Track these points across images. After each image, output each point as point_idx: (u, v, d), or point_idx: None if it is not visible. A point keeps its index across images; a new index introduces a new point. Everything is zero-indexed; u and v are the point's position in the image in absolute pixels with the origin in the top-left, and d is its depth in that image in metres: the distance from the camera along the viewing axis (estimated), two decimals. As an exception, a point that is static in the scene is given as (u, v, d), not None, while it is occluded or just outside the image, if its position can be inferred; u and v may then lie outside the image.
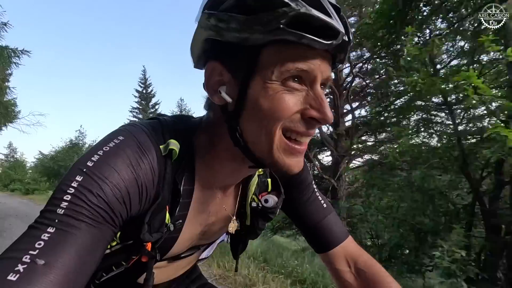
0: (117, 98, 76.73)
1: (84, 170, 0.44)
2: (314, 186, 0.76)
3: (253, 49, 0.46)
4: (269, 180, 0.70)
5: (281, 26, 0.42)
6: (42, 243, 0.38)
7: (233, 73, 0.49)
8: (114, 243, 0.55)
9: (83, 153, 0.49)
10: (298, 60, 0.45)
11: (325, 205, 0.75)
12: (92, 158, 0.46)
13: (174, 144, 0.52)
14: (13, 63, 9.94)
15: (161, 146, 0.52)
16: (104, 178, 0.44)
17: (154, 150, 0.51)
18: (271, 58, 0.45)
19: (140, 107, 31.57)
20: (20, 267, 0.35)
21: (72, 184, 0.42)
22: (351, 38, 0.48)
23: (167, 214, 0.54)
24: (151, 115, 31.77)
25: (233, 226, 0.67)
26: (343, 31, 0.45)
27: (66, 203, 0.41)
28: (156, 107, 31.83)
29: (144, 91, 31.68)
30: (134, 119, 31.19)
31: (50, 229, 0.39)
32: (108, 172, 0.44)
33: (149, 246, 0.53)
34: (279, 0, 0.42)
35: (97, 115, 79.16)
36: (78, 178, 0.43)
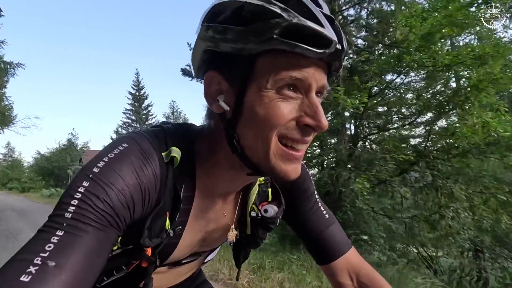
0: (111, 100, 77.44)
1: (91, 176, 0.45)
2: (317, 196, 0.75)
3: (249, 59, 0.47)
4: (269, 189, 0.70)
5: (275, 36, 0.43)
6: (52, 245, 0.39)
7: (230, 82, 0.50)
8: (115, 248, 0.55)
9: (91, 159, 0.49)
10: (292, 69, 0.46)
11: (327, 216, 0.74)
12: (98, 165, 0.47)
13: (176, 152, 0.53)
14: (9, 74, 10.91)
15: (163, 153, 0.53)
16: (109, 183, 0.45)
17: (156, 157, 0.52)
18: (266, 67, 0.46)
19: (133, 108, 32.29)
20: (32, 269, 0.36)
21: (79, 190, 0.44)
22: (344, 46, 0.49)
23: (168, 220, 0.55)
24: (143, 116, 32.46)
25: (232, 235, 0.67)
26: (336, 40, 0.46)
27: (74, 208, 0.42)
28: (149, 108, 32.49)
29: (137, 93, 32.32)
30: (128, 120, 31.93)
31: (59, 232, 0.40)
32: (114, 178, 0.46)
33: (149, 251, 0.54)
34: (272, 11, 0.44)
35: (92, 116, 79.75)
36: (85, 184, 0.44)
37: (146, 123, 32.23)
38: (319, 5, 0.48)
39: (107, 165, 0.47)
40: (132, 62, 77.26)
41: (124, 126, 32.12)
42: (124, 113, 32.55)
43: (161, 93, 69.97)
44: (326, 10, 0.49)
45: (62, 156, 25.64)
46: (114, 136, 31.48)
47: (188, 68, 9.53)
